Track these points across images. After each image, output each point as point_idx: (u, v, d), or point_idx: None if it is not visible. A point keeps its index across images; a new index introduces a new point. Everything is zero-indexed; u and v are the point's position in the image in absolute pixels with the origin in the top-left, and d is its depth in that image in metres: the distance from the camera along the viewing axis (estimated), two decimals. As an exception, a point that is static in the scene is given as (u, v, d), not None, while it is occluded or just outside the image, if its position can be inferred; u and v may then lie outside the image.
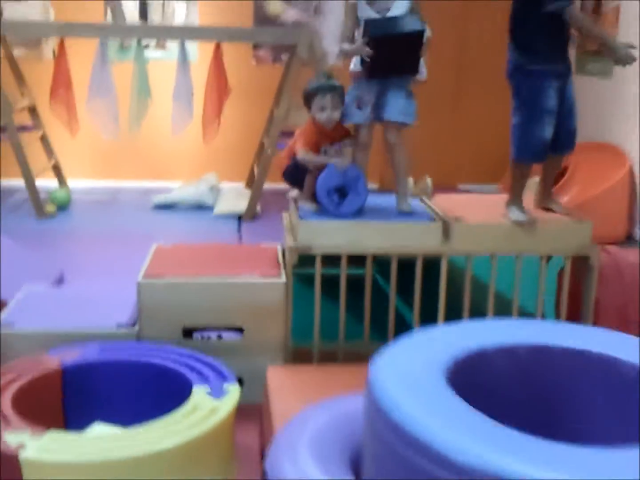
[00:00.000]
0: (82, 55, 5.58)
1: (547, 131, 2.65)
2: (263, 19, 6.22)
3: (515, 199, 2.78)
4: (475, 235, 2.65)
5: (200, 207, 5.64)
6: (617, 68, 5.49)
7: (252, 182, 5.99)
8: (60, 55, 5.46)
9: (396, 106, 2.65)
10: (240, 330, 2.66)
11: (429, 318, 2.76)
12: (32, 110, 5.74)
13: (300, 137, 2.71)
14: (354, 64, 2.66)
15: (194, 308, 2.60)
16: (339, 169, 2.64)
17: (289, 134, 5.65)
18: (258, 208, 5.47)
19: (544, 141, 2.66)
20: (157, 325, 2.60)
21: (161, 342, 2.51)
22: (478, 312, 2.78)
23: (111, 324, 2.63)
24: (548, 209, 2.86)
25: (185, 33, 5.35)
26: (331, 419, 1.85)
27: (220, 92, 5.51)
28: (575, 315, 2.77)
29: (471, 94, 6.44)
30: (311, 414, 1.91)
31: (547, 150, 2.71)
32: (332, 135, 2.71)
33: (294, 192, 2.94)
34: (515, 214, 2.73)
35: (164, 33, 5.46)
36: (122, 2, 6.14)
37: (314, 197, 2.76)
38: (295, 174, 2.78)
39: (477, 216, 2.75)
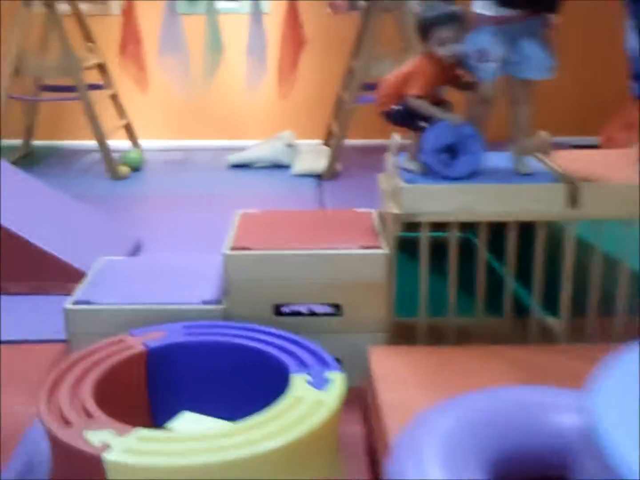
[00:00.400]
0: (150, 8, 5.33)
1: None
2: (338, -36, 5.85)
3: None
4: (607, 198, 2.30)
5: (277, 166, 5.38)
6: None
7: (330, 139, 5.71)
8: (128, 9, 5.23)
9: (535, 61, 2.29)
10: (336, 307, 2.39)
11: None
12: (102, 68, 5.54)
13: (414, 79, 2.37)
14: (479, 4, 2.27)
15: (287, 283, 2.34)
16: (452, 125, 2.31)
17: (370, 86, 5.34)
18: (338, 167, 5.18)
19: None
20: (246, 302, 2.35)
21: (251, 320, 2.27)
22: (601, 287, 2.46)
23: (195, 299, 2.39)
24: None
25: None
26: (463, 422, 1.57)
27: (296, 44, 5.21)
28: None
29: (564, 37, 5.97)
30: (437, 415, 1.63)
31: None
32: (451, 73, 2.37)
33: (396, 140, 2.62)
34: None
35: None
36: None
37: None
38: (405, 115, 2.41)
39: (607, 175, 2.40)
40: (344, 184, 5.00)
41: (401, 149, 2.60)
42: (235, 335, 2.14)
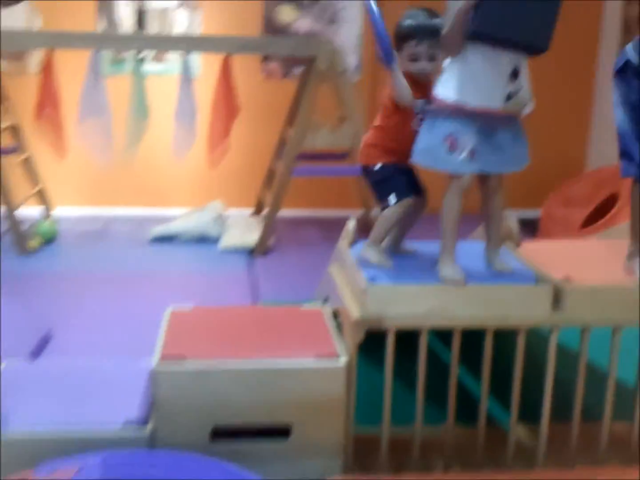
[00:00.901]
0: (71, 68, 4.95)
1: None
2: (272, 28, 5.61)
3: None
4: (594, 301, 2.03)
5: (204, 240, 4.99)
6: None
7: (260, 210, 5.38)
8: (47, 69, 4.82)
9: (510, 154, 2.04)
10: (286, 428, 2.01)
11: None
12: (15, 130, 5.09)
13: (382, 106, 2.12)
14: (442, 89, 1.97)
15: (227, 401, 1.95)
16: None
17: (306, 156, 5.07)
18: (271, 241, 4.84)
19: None
20: (178, 424, 1.95)
21: (183, 446, 1.87)
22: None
23: (115, 420, 1.98)
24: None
25: (192, 44, 4.70)
26: None
27: (229, 111, 4.88)
28: None
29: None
30: None
31: None
32: (426, 92, 2.07)
33: (352, 225, 2.33)
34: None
35: (169, 43, 4.78)
36: (117, 4, 5.48)
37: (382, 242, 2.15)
38: (382, 181, 2.14)
39: (591, 273, 2.13)
40: (277, 260, 4.65)
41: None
42: (165, 472, 1.73)
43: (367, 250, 2.17)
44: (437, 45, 2.01)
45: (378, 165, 2.14)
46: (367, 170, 2.17)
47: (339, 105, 4.84)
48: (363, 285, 1.99)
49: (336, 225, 5.60)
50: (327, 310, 2.36)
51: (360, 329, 1.96)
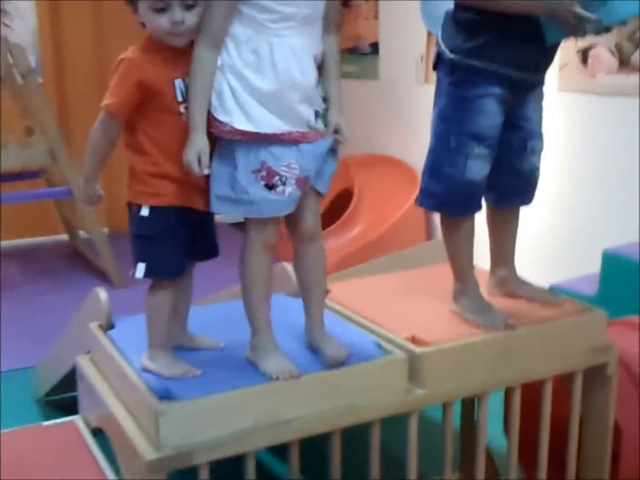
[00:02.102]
0: None
1: (475, 167, 1.62)
2: None
3: (467, 283, 1.71)
4: (454, 366, 1.53)
5: None
6: (382, 68, 4.70)
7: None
8: None
9: (329, 174, 1.48)
10: None
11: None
12: None
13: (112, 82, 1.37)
14: (220, 110, 1.35)
15: None
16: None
17: (11, 176, 4.03)
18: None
19: (467, 181, 1.62)
20: None
21: None
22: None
23: None
24: (512, 294, 1.81)
25: None
26: None
27: None
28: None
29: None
30: None
31: (481, 198, 1.68)
32: (186, 61, 1.37)
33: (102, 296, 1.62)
34: (477, 312, 1.66)
35: None
36: None
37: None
38: (150, 241, 1.41)
39: (436, 327, 1.64)
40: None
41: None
42: None
43: (155, 362, 1.42)
44: None
45: (145, 210, 1.40)
46: (129, 213, 1.44)
47: (24, 114, 3.95)
48: (153, 406, 1.29)
49: (38, 257, 4.59)
50: (82, 426, 1.62)
51: (159, 474, 1.27)
